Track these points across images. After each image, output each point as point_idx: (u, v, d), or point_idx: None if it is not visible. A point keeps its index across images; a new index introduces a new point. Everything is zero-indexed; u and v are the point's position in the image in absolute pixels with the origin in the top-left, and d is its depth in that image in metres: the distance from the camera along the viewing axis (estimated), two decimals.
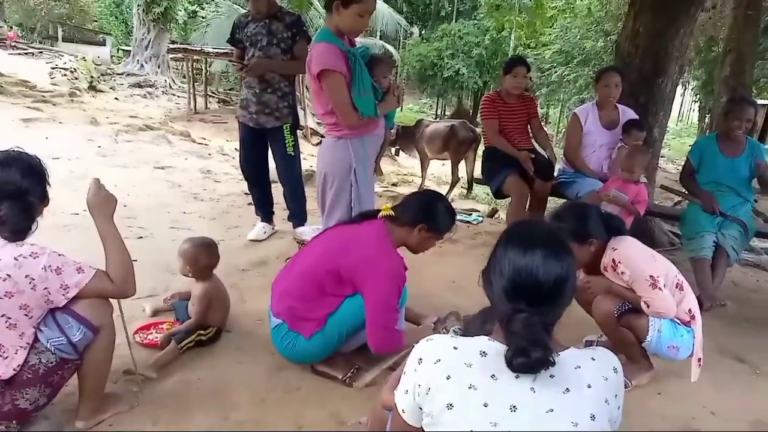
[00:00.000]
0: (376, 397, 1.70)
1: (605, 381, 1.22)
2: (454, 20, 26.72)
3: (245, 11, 4.30)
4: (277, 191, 4.35)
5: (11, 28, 22.97)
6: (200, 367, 2.44)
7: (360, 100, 2.85)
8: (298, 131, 4.20)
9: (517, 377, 1.17)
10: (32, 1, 23.20)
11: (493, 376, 1.18)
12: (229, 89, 19.75)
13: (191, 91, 14.76)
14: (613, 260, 2.39)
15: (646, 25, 4.66)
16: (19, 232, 1.79)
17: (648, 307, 2.35)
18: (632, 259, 2.36)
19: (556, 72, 17.81)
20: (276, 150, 4.10)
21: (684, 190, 4.04)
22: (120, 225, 4.28)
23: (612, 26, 14.68)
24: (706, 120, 17.19)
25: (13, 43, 19.52)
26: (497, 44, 23.57)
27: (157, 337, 2.59)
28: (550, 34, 18.98)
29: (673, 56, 4.67)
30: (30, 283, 1.74)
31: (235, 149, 8.78)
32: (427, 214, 2.33)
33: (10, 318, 1.75)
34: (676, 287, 2.42)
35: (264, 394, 2.29)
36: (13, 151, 1.88)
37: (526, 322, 1.18)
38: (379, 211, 2.45)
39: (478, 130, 9.73)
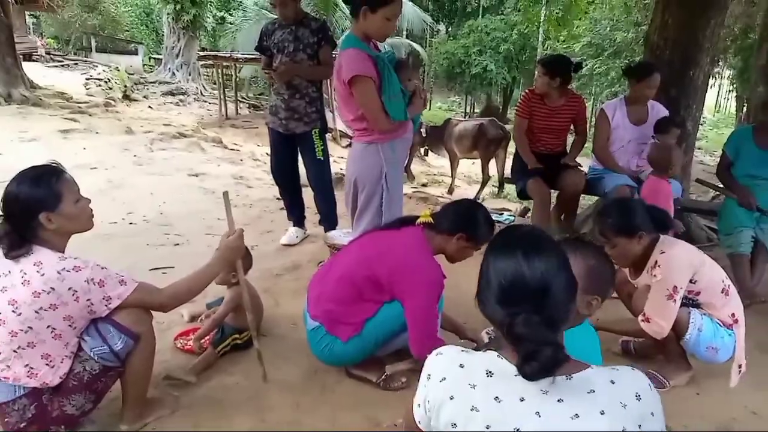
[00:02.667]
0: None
1: (623, 408, 1.11)
2: (480, 16, 26.54)
3: (273, 18, 4.36)
4: (308, 195, 4.41)
5: (42, 36, 23.72)
6: (237, 371, 2.50)
7: (390, 105, 2.87)
8: (327, 135, 4.25)
9: (522, 400, 1.12)
10: (67, 14, 23.85)
11: (496, 398, 1.14)
12: (259, 94, 20.00)
13: (222, 97, 15.00)
14: (656, 262, 2.36)
15: (675, 17, 4.57)
16: (12, 249, 1.84)
17: (648, 322, 2.35)
18: (671, 267, 2.32)
19: (586, 65, 17.54)
20: (306, 155, 4.15)
21: (720, 184, 3.96)
22: (157, 233, 4.45)
23: (642, 16, 14.39)
24: (744, 110, 16.70)
25: (44, 55, 20.12)
26: (525, 39, 23.32)
27: None
28: (579, 27, 18.70)
29: (704, 47, 4.56)
30: (73, 295, 1.81)
31: (266, 154, 8.90)
32: (467, 224, 2.33)
33: (55, 329, 1.83)
34: (722, 292, 2.38)
35: (299, 397, 2.33)
36: (36, 166, 1.93)
37: (527, 322, 1.11)
38: (416, 217, 2.45)
39: (508, 127, 9.68)
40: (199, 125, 11.66)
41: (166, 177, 6.33)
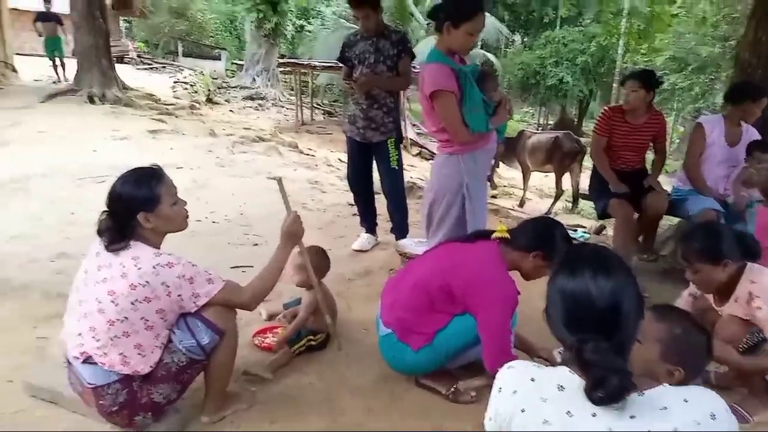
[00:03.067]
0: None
1: (697, 425, 1.10)
2: (558, 27, 26.02)
3: (354, 30, 4.48)
4: (381, 203, 4.48)
5: (134, 40, 25.19)
6: (311, 372, 2.58)
7: (471, 117, 2.90)
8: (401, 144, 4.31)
9: (594, 415, 1.12)
10: (157, 20, 25.24)
11: (568, 412, 1.13)
12: (333, 101, 20.38)
13: (298, 103, 15.41)
14: (750, 293, 2.25)
15: None
16: (113, 242, 1.98)
17: None
18: None
19: (668, 79, 16.86)
20: (380, 163, 4.23)
21: None
22: (237, 233, 4.64)
23: (731, 30, 13.69)
24: None
25: (135, 58, 21.36)
26: (604, 51, 22.66)
27: (273, 341, 2.75)
28: (662, 40, 18.00)
29: None
30: (166, 290, 1.93)
31: (339, 160, 9.09)
32: (544, 242, 2.31)
33: (148, 320, 1.95)
34: None
35: (370, 402, 2.38)
36: (139, 167, 2.08)
37: (596, 349, 1.12)
38: (492, 231, 2.46)
39: (583, 140, 9.45)
40: (277, 130, 12.01)
41: (245, 179, 6.58)
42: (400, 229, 4.36)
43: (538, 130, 17.47)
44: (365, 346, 2.78)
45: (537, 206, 8.69)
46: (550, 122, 27.11)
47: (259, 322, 3.00)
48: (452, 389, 2.43)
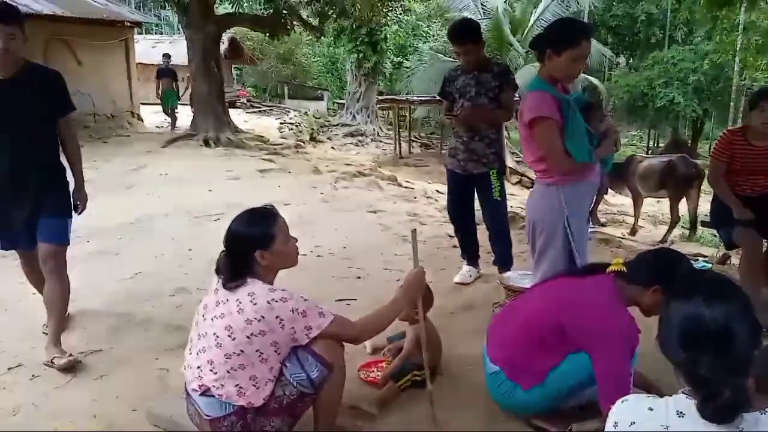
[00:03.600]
0: None
1: None
2: (666, 47, 24.80)
3: (454, 64, 4.51)
4: (482, 234, 4.40)
5: (243, 85, 26.95)
6: (416, 409, 2.53)
7: (573, 146, 2.78)
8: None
9: None
10: (265, 66, 26.93)
11: None
12: (430, 133, 20.61)
13: (396, 137, 15.72)
14: None
15: None
16: (230, 280, 2.07)
17: None
18: None
19: None
20: (482, 194, 4.17)
21: None
22: (341, 266, 4.75)
23: None
24: None
25: (244, 102, 22.93)
26: (718, 69, 21.23)
27: (378, 375, 2.75)
28: None
29: None
30: (280, 323, 2.00)
31: (437, 191, 9.11)
32: (665, 276, 2.11)
33: (262, 353, 2.02)
34: None
35: None
36: (256, 207, 2.20)
37: (709, 365, 1.13)
38: (606, 264, 2.33)
39: (700, 162, 8.82)
40: (376, 164, 12.30)
41: (348, 213, 6.75)
42: (504, 261, 4.25)
43: (648, 154, 16.56)
44: (471, 384, 2.70)
45: (650, 235, 8.20)
46: (660, 145, 25.62)
47: (364, 355, 3.02)
48: (566, 431, 2.30)
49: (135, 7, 22.68)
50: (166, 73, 14.15)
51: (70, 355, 2.93)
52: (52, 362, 2.90)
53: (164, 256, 4.89)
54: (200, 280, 3.98)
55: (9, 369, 2.93)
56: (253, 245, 2.08)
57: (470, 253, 4.46)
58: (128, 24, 14.51)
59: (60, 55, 12.44)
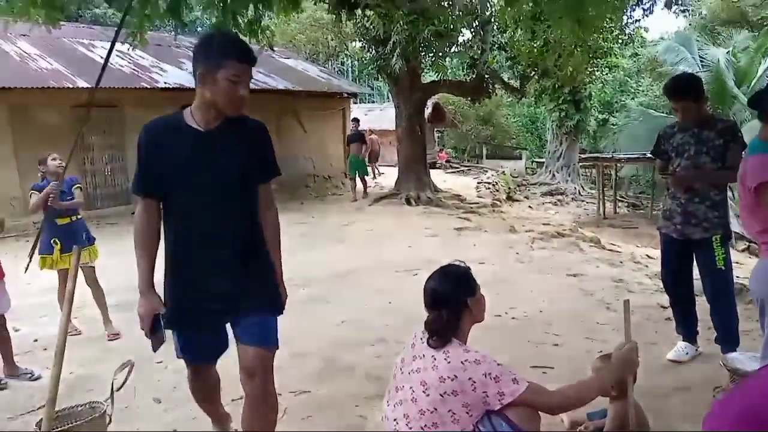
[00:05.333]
0: None
1: None
2: None
3: (670, 121, 4.22)
4: (702, 308, 3.93)
5: (442, 149, 27.95)
6: None
7: None
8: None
9: None
10: (465, 128, 27.79)
11: None
12: (639, 193, 19.23)
13: (600, 196, 14.94)
14: None
15: None
16: (442, 336, 2.11)
17: None
18: None
19: None
20: (703, 263, 3.75)
21: None
22: (536, 330, 4.60)
23: None
24: None
25: (443, 162, 23.74)
26: None
27: None
28: None
29: None
30: (472, 385, 2.01)
31: (647, 256, 8.37)
32: None
33: (454, 414, 2.03)
34: None
35: None
36: (450, 264, 2.29)
37: None
38: None
39: None
40: (576, 225, 11.78)
41: (545, 275, 6.53)
42: (727, 339, 3.73)
43: None
44: None
45: None
46: None
47: (561, 428, 2.84)
48: None
49: (352, 80, 25.19)
50: (354, 138, 13.65)
51: None
52: None
53: (367, 307, 5.21)
54: (398, 332, 4.16)
55: (233, 400, 3.17)
56: (465, 293, 2.17)
57: (687, 328, 3.99)
58: (346, 95, 16.19)
59: (289, 124, 14.31)
